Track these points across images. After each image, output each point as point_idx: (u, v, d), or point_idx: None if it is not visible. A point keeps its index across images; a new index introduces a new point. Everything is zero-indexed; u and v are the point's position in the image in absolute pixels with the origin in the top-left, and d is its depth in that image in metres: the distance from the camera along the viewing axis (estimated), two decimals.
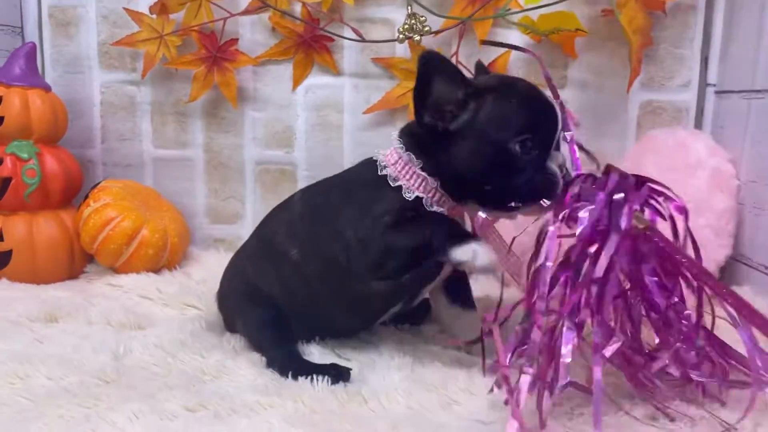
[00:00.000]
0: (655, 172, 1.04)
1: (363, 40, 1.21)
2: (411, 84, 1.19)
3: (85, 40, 1.30)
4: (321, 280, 0.82)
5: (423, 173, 0.78)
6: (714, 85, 1.16)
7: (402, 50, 1.22)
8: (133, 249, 1.14)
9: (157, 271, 1.17)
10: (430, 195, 0.78)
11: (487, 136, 0.75)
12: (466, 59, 1.17)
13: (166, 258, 1.18)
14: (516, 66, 1.20)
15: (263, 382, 0.75)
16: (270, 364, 0.80)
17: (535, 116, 0.75)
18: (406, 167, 0.78)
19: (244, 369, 0.79)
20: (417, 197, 0.77)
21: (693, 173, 1.03)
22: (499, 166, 0.75)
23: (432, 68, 0.74)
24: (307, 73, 1.26)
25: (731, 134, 1.08)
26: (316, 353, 0.85)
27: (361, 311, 0.87)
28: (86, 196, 1.17)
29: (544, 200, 0.73)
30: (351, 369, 0.78)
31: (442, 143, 0.77)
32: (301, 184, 1.29)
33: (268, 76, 1.28)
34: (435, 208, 0.78)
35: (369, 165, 0.82)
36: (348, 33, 1.22)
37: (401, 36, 1.18)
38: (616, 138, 1.19)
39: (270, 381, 0.76)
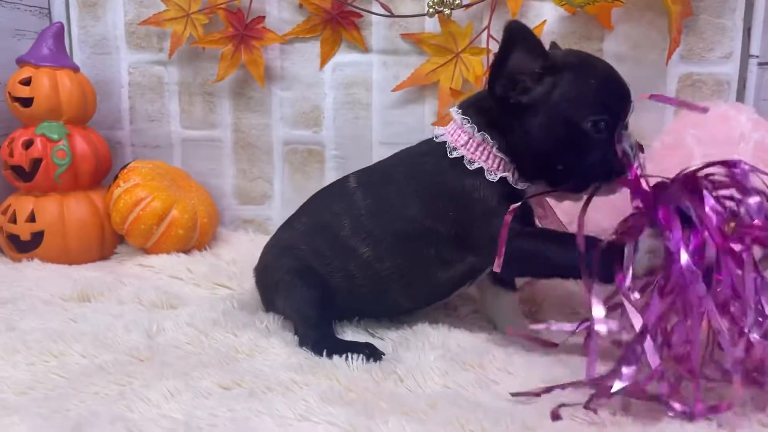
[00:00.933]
0: (696, 147, 1.01)
1: (392, 15, 1.19)
2: (441, 60, 1.18)
3: (112, 20, 1.30)
4: (399, 275, 0.81)
5: (500, 154, 0.76)
6: (757, 57, 1.11)
7: (431, 25, 1.20)
8: (163, 229, 1.14)
9: (187, 251, 1.17)
10: (512, 176, 0.76)
11: (561, 112, 0.73)
12: (497, 33, 1.14)
13: (196, 238, 1.18)
14: (551, 37, 1.16)
15: (297, 361, 0.74)
16: (303, 343, 0.79)
17: (610, 97, 0.74)
18: (480, 147, 0.76)
19: (277, 348, 0.78)
20: (501, 178, 0.76)
21: (736, 147, 0.98)
22: (572, 144, 0.73)
23: (515, 38, 0.72)
24: (335, 51, 1.24)
25: None
26: (348, 332, 0.84)
27: (432, 296, 0.85)
28: (116, 177, 1.17)
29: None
30: (385, 348, 0.77)
31: (515, 119, 0.75)
32: (329, 164, 1.28)
33: (295, 54, 1.26)
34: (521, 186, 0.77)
35: (433, 147, 0.80)
36: (376, 8, 1.19)
37: (431, 10, 1.15)
38: (655, 112, 1.16)
39: (304, 360, 0.75)
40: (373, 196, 0.83)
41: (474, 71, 1.16)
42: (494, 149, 0.76)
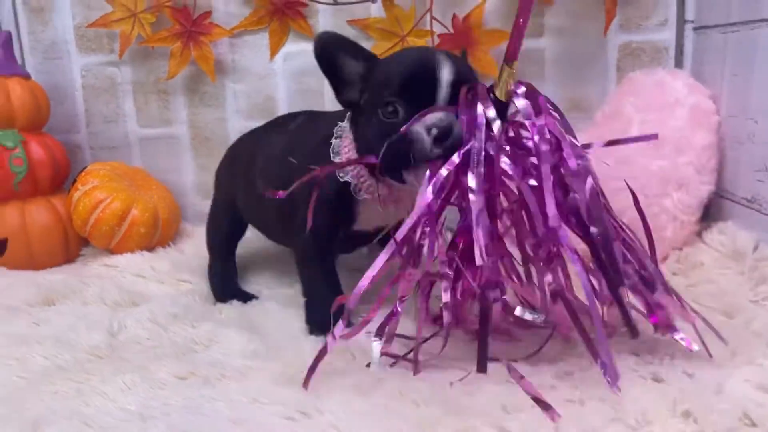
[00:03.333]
0: (634, 114, 1.05)
1: (336, 3, 1.21)
2: (388, 44, 1.20)
3: (61, 24, 1.30)
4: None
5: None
6: (692, 22, 1.14)
7: (377, 10, 1.21)
8: (124, 229, 1.15)
9: (150, 249, 1.19)
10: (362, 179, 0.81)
11: (368, 102, 0.76)
12: (440, 15, 1.16)
13: (158, 236, 1.20)
14: (493, 18, 1.18)
15: (253, 348, 0.77)
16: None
17: (404, 81, 0.73)
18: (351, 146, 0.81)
19: (234, 337, 0.80)
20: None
21: (672, 112, 1.02)
22: (377, 131, 0.74)
23: (334, 46, 0.76)
24: (284, 41, 1.25)
25: (710, 70, 1.07)
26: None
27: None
28: (74, 181, 1.19)
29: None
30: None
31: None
32: None
33: (245, 47, 1.27)
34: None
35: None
36: None
37: None
38: (597, 83, 1.19)
39: (260, 347, 0.78)
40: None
41: None
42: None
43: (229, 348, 0.78)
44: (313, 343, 0.77)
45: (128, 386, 0.67)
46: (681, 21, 1.15)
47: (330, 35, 0.76)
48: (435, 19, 1.15)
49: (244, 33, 1.26)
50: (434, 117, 0.70)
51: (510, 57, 0.70)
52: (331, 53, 0.76)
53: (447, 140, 0.69)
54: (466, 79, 0.72)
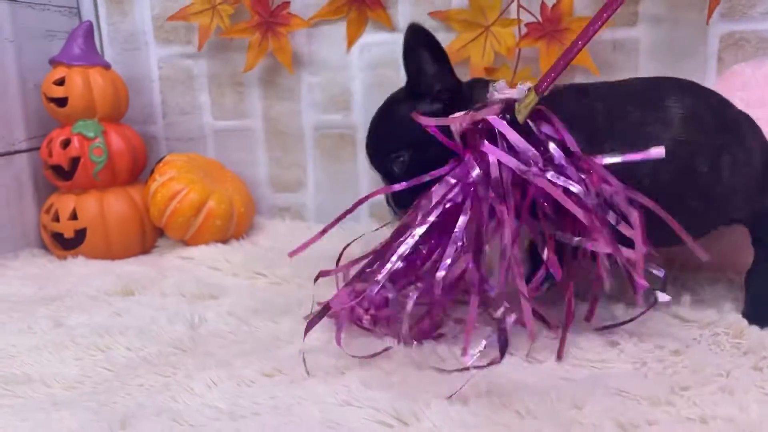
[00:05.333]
0: (745, 110, 0.97)
1: None
2: (471, 35, 1.16)
3: (140, 15, 1.30)
4: None
5: None
6: None
7: (458, 1, 1.17)
8: (201, 221, 1.15)
9: (225, 241, 1.18)
10: None
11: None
12: (528, 3, 1.11)
13: (233, 228, 1.19)
14: (582, 5, 1.12)
15: (336, 347, 0.74)
16: None
17: None
18: None
19: (317, 333, 0.78)
20: None
21: None
22: None
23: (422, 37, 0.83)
24: (362, 32, 1.22)
25: None
26: None
27: None
28: (152, 171, 1.19)
29: None
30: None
31: None
32: (362, 148, 1.27)
33: (322, 38, 1.25)
34: None
35: None
36: None
37: None
38: (696, 75, 1.10)
39: (344, 345, 0.74)
40: None
41: (506, 43, 1.13)
42: None
43: (312, 345, 0.75)
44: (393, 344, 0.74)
45: (214, 382, 0.65)
46: None
47: (422, 29, 0.82)
48: (522, 7, 1.10)
49: (321, 23, 1.23)
50: None
51: (540, 90, 0.72)
52: (419, 44, 0.82)
53: None
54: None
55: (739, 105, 0.96)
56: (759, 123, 0.94)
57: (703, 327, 0.76)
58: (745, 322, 0.75)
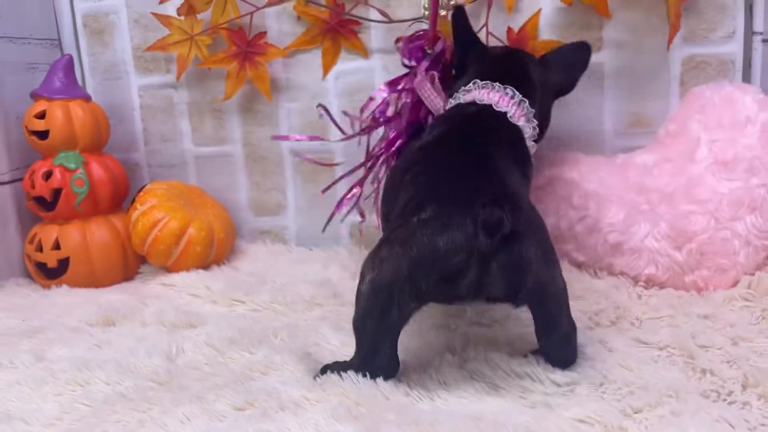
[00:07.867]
0: (701, 132, 1.00)
1: (390, 21, 1.20)
2: None
3: (120, 46, 1.33)
4: None
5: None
6: (761, 33, 1.09)
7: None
8: (181, 248, 1.17)
9: (206, 267, 1.20)
10: None
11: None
12: (495, 30, 1.14)
13: (213, 254, 1.21)
14: (547, 29, 1.16)
15: (309, 378, 0.77)
16: None
17: None
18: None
19: (290, 364, 0.80)
20: None
21: (743, 130, 0.97)
22: None
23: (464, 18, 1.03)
24: (336, 59, 1.25)
25: None
26: None
27: None
28: (133, 200, 1.21)
29: None
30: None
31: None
32: (340, 172, 1.29)
33: (298, 66, 1.28)
34: None
35: None
36: (374, 14, 1.20)
37: (427, 12, 1.15)
38: (659, 98, 1.14)
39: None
40: None
41: None
42: None
43: (285, 376, 0.78)
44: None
45: (188, 418, 0.67)
46: (749, 33, 1.10)
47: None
48: (491, 34, 1.13)
49: (297, 52, 1.26)
50: None
51: None
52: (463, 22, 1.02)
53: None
54: None
55: (697, 128, 0.99)
56: (716, 145, 0.97)
57: None
58: None
